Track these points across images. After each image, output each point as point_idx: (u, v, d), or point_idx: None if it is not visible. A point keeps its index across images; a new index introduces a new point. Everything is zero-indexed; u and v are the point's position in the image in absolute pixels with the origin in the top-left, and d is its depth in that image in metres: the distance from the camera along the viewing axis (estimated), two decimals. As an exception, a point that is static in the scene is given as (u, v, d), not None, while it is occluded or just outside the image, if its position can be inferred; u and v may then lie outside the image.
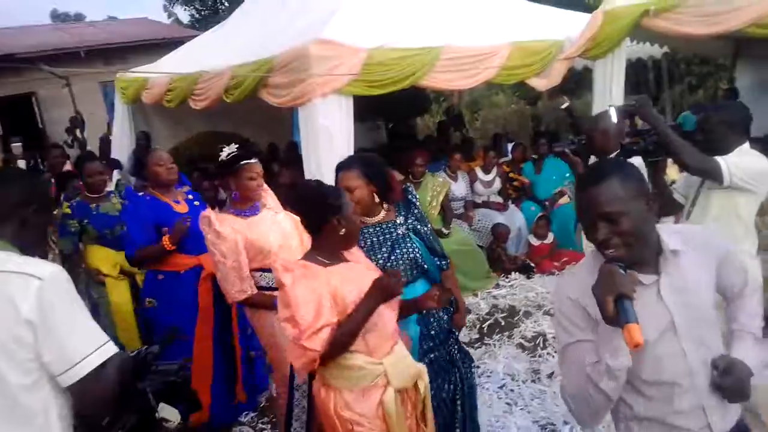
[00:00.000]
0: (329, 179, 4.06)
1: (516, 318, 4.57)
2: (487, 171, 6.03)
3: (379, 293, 1.96)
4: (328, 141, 4.16)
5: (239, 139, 7.32)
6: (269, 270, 2.72)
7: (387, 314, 2.04)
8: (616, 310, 1.31)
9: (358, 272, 2.10)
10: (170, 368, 1.97)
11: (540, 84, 5.39)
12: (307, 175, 4.30)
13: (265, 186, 3.03)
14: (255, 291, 2.79)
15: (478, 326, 4.49)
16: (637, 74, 9.88)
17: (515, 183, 6.30)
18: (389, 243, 2.45)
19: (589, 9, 6.37)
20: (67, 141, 10.27)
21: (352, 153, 4.30)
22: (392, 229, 2.49)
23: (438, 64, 4.56)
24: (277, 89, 4.40)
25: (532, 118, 12.97)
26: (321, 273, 1.97)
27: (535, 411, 3.30)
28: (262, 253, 2.80)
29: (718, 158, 2.54)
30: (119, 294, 3.87)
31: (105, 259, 3.84)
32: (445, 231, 5.15)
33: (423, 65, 4.48)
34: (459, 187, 5.71)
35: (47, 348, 1.42)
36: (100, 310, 3.87)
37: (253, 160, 2.86)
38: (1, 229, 1.54)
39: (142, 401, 1.79)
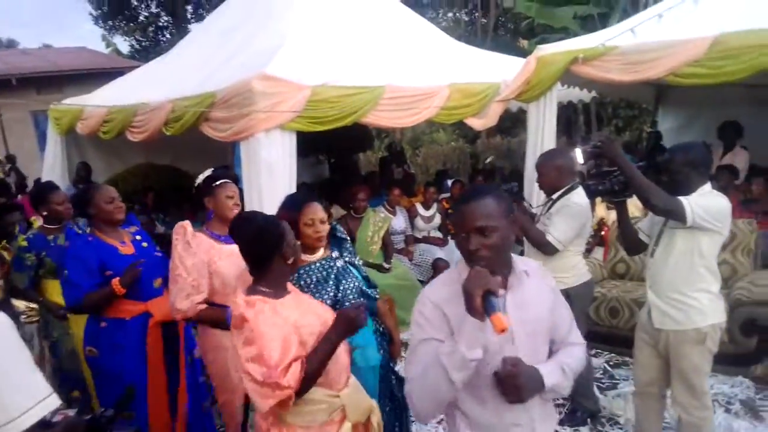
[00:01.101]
0: (271, 211, 4.10)
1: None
2: (427, 207, 6.15)
3: (344, 326, 1.95)
4: (269, 175, 4.16)
5: (177, 173, 7.27)
6: (224, 307, 2.65)
7: (342, 346, 2.03)
8: (482, 303, 1.46)
9: (308, 302, 2.10)
10: None
11: (477, 124, 5.58)
12: (248, 207, 4.26)
13: None
14: (204, 307, 2.70)
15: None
16: (568, 116, 10.41)
17: (455, 219, 6.44)
18: (333, 277, 2.47)
19: (523, 54, 6.71)
20: (5, 171, 9.83)
21: (294, 187, 4.32)
22: (332, 264, 2.52)
23: (380, 102, 4.67)
24: (218, 123, 4.39)
25: (471, 155, 13.36)
26: (278, 307, 1.94)
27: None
28: (226, 286, 2.70)
29: (682, 199, 2.58)
30: (82, 329, 3.56)
31: None
32: (386, 266, 5.20)
33: (366, 103, 4.58)
34: (398, 222, 5.80)
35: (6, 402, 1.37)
36: (60, 349, 3.67)
37: (227, 180, 2.85)
38: None
39: None
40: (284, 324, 1.88)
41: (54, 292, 3.61)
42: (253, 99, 4.04)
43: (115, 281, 2.87)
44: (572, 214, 3.19)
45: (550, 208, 3.30)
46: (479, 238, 1.59)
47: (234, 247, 2.70)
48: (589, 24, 9.67)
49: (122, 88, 6.50)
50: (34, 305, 3.83)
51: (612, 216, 5.52)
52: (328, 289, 2.42)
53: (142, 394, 2.94)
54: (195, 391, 3.21)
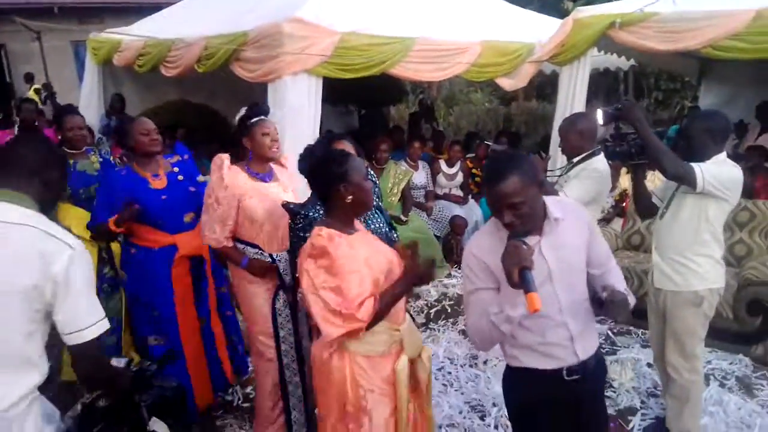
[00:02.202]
0: (293, 158, 4.16)
1: (462, 306, 4.73)
2: (451, 164, 6.16)
3: (415, 278, 2.03)
4: (294, 119, 4.22)
5: (209, 111, 7.38)
6: (251, 245, 2.78)
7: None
8: (520, 278, 1.63)
9: (374, 242, 2.14)
10: (168, 385, 2.15)
11: (507, 84, 5.53)
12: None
13: (284, 161, 3.03)
14: (230, 244, 2.79)
15: (425, 312, 4.64)
16: (607, 84, 10.16)
17: (477, 179, 6.46)
18: (361, 219, 2.46)
19: (565, 15, 6.55)
20: (40, 95, 10.06)
21: (317, 133, 4.39)
22: None
23: (410, 54, 4.65)
24: (248, 63, 4.44)
25: (505, 118, 13.17)
26: (350, 241, 2.00)
27: (468, 393, 3.46)
28: (251, 223, 2.76)
29: (695, 165, 2.60)
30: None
31: (78, 219, 3.60)
32: (403, 218, 5.28)
33: (395, 54, 4.57)
34: (419, 176, 5.84)
35: (63, 309, 1.63)
36: None
37: (262, 117, 2.84)
38: (27, 188, 1.69)
39: (136, 414, 1.97)
40: (359, 260, 1.96)
41: (68, 216, 3.62)
42: (282, 41, 4.07)
43: (112, 219, 2.97)
44: (590, 179, 3.15)
45: (569, 171, 3.29)
46: (511, 212, 1.74)
47: (269, 186, 2.82)
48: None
49: (159, 23, 6.57)
50: None
51: (634, 188, 5.47)
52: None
53: (171, 322, 3.08)
54: (224, 322, 3.38)
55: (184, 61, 5.17)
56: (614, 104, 2.92)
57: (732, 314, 3.77)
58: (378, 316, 1.95)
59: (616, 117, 2.85)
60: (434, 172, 6.07)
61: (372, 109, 9.33)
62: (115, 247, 3.57)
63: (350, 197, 2.03)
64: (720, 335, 3.76)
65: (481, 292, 1.85)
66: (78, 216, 3.61)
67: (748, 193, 5.12)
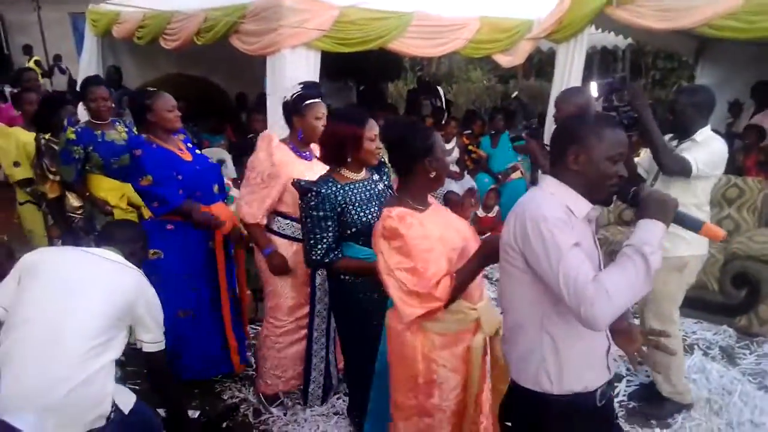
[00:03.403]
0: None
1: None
2: (447, 140, 6.22)
3: (491, 253, 1.88)
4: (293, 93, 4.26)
5: (209, 85, 7.40)
6: (286, 216, 2.86)
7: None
8: (681, 219, 1.60)
9: (447, 217, 2.11)
10: None
11: (505, 60, 5.55)
12: (271, 127, 4.40)
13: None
14: (263, 223, 2.86)
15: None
16: (605, 63, 10.16)
17: (473, 155, 6.52)
18: (375, 198, 2.47)
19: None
20: (41, 67, 10.04)
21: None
22: (374, 185, 2.52)
23: (408, 29, 4.69)
24: (247, 36, 4.48)
25: (502, 96, 13.18)
26: (423, 219, 1.96)
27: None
28: (295, 201, 2.71)
29: (689, 158, 2.67)
30: None
31: (112, 189, 3.62)
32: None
33: (393, 29, 4.61)
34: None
35: (145, 327, 2.20)
36: None
37: (317, 100, 2.82)
38: (123, 250, 2.27)
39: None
40: (432, 238, 1.92)
41: (101, 187, 3.63)
42: (282, 14, 4.10)
43: (196, 209, 2.96)
44: None
45: None
46: (622, 164, 1.64)
47: (313, 164, 2.83)
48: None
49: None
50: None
51: (628, 164, 5.55)
52: (373, 210, 2.42)
53: (206, 295, 3.13)
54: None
55: (183, 34, 5.19)
56: (608, 79, 2.98)
57: (718, 287, 3.89)
58: (455, 294, 1.91)
59: (611, 90, 2.92)
60: (431, 148, 6.13)
61: (370, 84, 9.35)
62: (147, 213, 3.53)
63: (434, 172, 2.00)
64: (706, 307, 3.89)
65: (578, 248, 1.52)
66: (111, 186, 3.62)
67: (739, 170, 5.21)
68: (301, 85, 2.90)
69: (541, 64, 12.93)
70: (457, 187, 5.95)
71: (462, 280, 1.92)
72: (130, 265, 2.23)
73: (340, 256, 2.40)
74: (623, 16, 4.70)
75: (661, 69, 11.58)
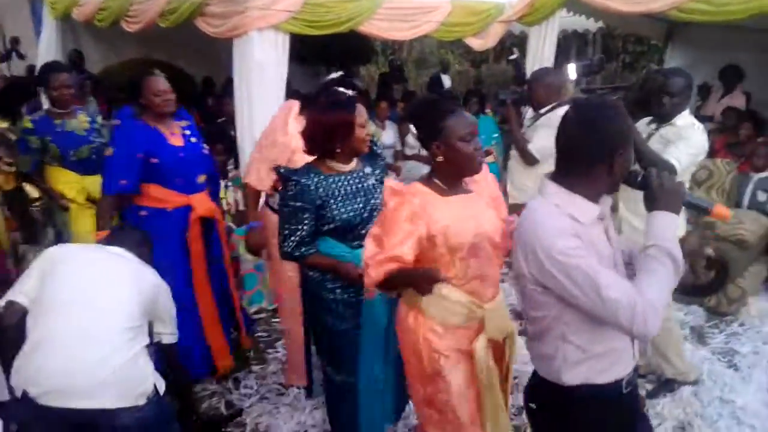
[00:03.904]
0: (259, 116, 4.15)
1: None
2: (420, 125, 6.17)
3: (421, 282, 1.84)
4: (260, 76, 4.15)
5: (172, 70, 7.19)
6: None
7: (495, 262, 1.98)
8: (691, 204, 1.60)
9: (476, 209, 1.95)
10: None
11: (477, 44, 5.50)
12: (239, 111, 4.30)
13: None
14: (264, 188, 2.84)
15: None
16: (578, 47, 10.20)
17: (447, 139, 6.47)
18: (362, 194, 2.30)
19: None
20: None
21: (284, 92, 4.33)
22: (363, 180, 2.34)
23: (378, 12, 4.59)
24: (213, 18, 4.34)
25: (475, 80, 13.16)
26: (435, 204, 1.86)
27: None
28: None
29: (673, 160, 2.67)
30: (83, 224, 3.49)
31: (69, 183, 3.48)
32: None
33: (363, 11, 4.51)
34: (387, 136, 5.85)
35: (163, 321, 2.33)
36: (64, 239, 3.56)
37: (344, 90, 2.62)
38: (134, 252, 2.31)
39: None
40: (423, 224, 1.82)
41: (58, 180, 3.51)
42: (249, -5, 3.98)
43: (102, 234, 2.71)
44: (555, 129, 3.27)
45: (536, 121, 3.44)
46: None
47: None
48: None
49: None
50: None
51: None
52: (357, 207, 2.26)
53: (185, 285, 2.99)
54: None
55: (146, 16, 5.03)
56: (585, 61, 2.98)
57: (688, 267, 3.92)
58: (390, 285, 1.87)
59: (589, 72, 2.93)
60: (403, 133, 6.07)
61: (341, 69, 9.20)
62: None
63: (440, 158, 1.87)
64: (677, 288, 3.92)
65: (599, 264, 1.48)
66: (68, 179, 3.49)
67: (708, 152, 5.28)
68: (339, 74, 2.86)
69: (512, 48, 12.94)
70: (430, 172, 5.91)
71: (396, 281, 1.87)
72: (146, 264, 2.32)
73: (312, 251, 2.26)
74: (594, 0, 4.70)
75: (631, 53, 11.69)
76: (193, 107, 6.76)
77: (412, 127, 6.03)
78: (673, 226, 1.52)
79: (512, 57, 3.73)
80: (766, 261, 4.05)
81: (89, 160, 3.51)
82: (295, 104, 2.78)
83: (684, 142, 2.73)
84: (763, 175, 4.21)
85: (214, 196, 3.27)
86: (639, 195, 1.58)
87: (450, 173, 1.93)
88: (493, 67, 13.28)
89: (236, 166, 4.54)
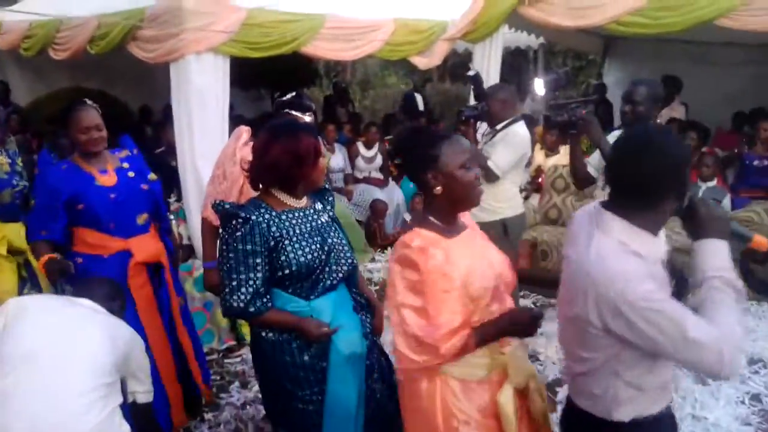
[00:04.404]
0: (201, 144, 3.94)
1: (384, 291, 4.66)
2: (369, 147, 6.07)
3: (513, 328, 1.69)
4: (200, 103, 3.95)
5: (106, 98, 6.87)
6: None
7: (508, 300, 1.81)
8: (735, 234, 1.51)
9: (482, 247, 1.81)
10: None
11: (422, 62, 5.50)
12: (178, 140, 4.08)
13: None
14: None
15: (350, 297, 4.53)
16: (519, 64, 10.38)
17: (397, 161, 6.39)
18: (317, 233, 2.01)
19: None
20: None
21: (227, 118, 4.15)
22: (316, 217, 2.05)
23: (321, 32, 4.50)
24: (147, 43, 4.12)
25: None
26: (450, 249, 1.66)
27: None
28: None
29: None
30: (5, 280, 3.15)
31: None
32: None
33: (305, 32, 4.40)
34: (336, 160, 5.73)
35: (138, 378, 2.16)
36: None
37: (299, 113, 2.51)
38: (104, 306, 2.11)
39: None
40: (456, 275, 1.63)
41: None
42: (183, 17, 3.78)
43: (43, 259, 2.53)
44: (513, 143, 3.35)
45: (492, 138, 3.43)
46: None
47: None
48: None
49: (46, 2, 6.00)
50: None
51: (549, 163, 5.60)
52: (314, 248, 1.97)
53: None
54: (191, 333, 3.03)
55: (74, 43, 4.76)
56: (553, 75, 2.95)
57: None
58: (465, 353, 1.65)
59: (556, 86, 2.90)
60: (352, 156, 5.96)
61: (285, 92, 9.06)
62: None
63: (439, 188, 1.69)
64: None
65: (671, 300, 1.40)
66: None
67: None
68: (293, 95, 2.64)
69: (454, 68, 13.09)
70: (383, 195, 5.80)
71: (478, 341, 1.65)
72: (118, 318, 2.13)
73: (269, 305, 1.93)
74: (535, 15, 4.74)
75: (570, 68, 12.00)
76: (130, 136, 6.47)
77: (361, 149, 5.99)
78: (725, 253, 1.45)
79: (470, 73, 3.66)
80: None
81: (12, 205, 3.21)
82: (246, 130, 2.61)
83: None
84: (710, 184, 4.28)
85: (164, 234, 2.98)
86: None
87: (448, 207, 1.74)
88: (437, 87, 13.37)
89: (178, 198, 4.30)
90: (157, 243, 2.85)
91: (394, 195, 5.95)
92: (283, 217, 1.96)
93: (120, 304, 2.23)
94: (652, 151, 1.42)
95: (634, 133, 1.53)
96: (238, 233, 1.88)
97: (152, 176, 2.89)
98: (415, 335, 1.61)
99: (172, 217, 4.22)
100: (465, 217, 1.85)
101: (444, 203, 1.73)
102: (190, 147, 3.98)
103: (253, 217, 1.89)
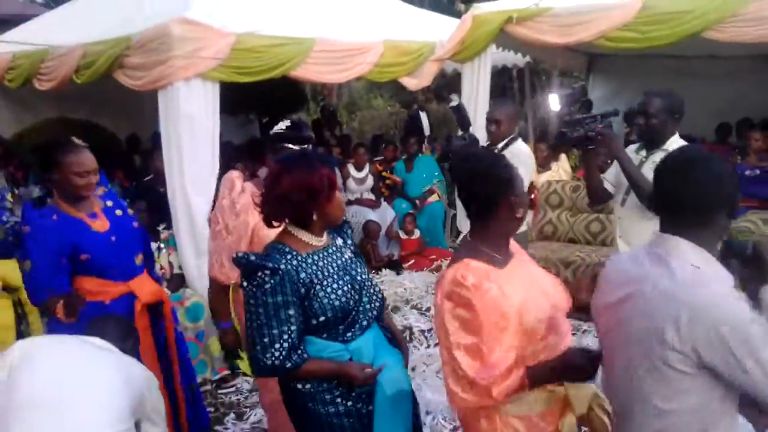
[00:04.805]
0: (190, 171, 3.88)
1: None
2: (359, 168, 6.04)
3: (570, 374, 1.59)
4: (190, 129, 3.90)
5: (94, 128, 6.80)
6: None
7: (565, 329, 1.72)
8: None
9: (533, 272, 1.75)
10: None
11: (412, 84, 5.50)
12: (168, 167, 4.01)
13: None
14: (237, 281, 2.30)
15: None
16: (504, 83, 10.46)
17: (388, 181, 6.37)
18: (345, 271, 1.86)
19: (460, 17, 6.62)
20: None
21: (217, 145, 4.09)
22: (340, 254, 1.91)
23: (311, 55, 4.48)
24: (134, 70, 4.07)
25: (407, 121, 13.25)
26: (503, 281, 1.59)
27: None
28: (263, 245, 2.18)
29: None
30: (2, 316, 3.08)
31: None
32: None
33: (295, 56, 4.37)
34: (330, 183, 5.67)
35: (153, 421, 1.96)
36: None
37: (297, 146, 2.39)
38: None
39: None
40: (511, 310, 1.55)
41: None
42: (172, 44, 3.75)
43: (60, 307, 2.36)
44: (525, 163, 3.24)
45: None
46: None
47: None
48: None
49: (30, 33, 5.94)
50: None
51: (541, 179, 5.60)
52: (346, 289, 1.82)
53: None
54: (184, 368, 2.87)
55: (60, 73, 4.69)
56: (568, 90, 2.91)
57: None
58: (521, 392, 1.57)
59: (572, 101, 2.85)
60: (344, 177, 5.92)
61: (274, 117, 9.03)
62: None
63: (521, 211, 1.64)
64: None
65: None
66: None
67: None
68: (289, 124, 2.49)
69: (439, 89, 13.17)
70: (375, 216, 5.75)
71: (533, 383, 1.56)
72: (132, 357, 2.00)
73: (305, 356, 1.75)
74: (524, 33, 4.76)
75: (555, 86, 12.15)
76: (117, 167, 6.39)
77: (352, 171, 5.95)
78: None
79: (453, 104, 3.63)
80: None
81: (4, 243, 3.17)
82: (237, 177, 2.46)
83: None
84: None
85: (152, 270, 2.87)
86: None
87: (505, 234, 1.68)
88: (423, 108, 13.45)
89: (168, 226, 4.21)
90: (153, 281, 2.74)
91: (386, 216, 5.90)
92: (309, 260, 1.80)
93: (132, 343, 2.12)
94: (699, 164, 1.40)
95: (675, 152, 1.51)
96: (267, 285, 1.71)
97: (130, 210, 2.78)
98: (467, 376, 1.53)
99: (162, 245, 4.14)
100: (513, 244, 1.77)
101: (503, 230, 1.67)
102: (179, 174, 3.91)
103: (282, 266, 1.72)
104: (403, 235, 5.83)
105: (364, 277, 1.91)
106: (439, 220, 6.09)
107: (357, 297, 1.84)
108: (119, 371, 1.83)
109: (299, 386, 1.81)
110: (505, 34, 4.85)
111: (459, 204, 4.88)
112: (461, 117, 3.59)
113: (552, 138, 6.10)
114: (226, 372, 3.86)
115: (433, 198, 6.09)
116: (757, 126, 5.21)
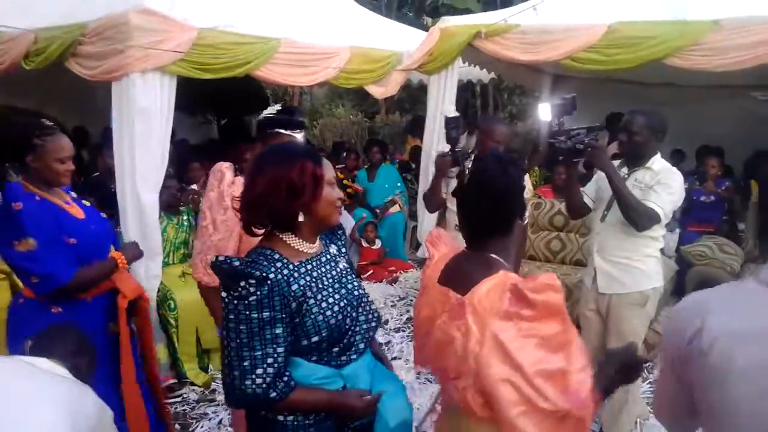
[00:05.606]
0: (143, 168, 3.69)
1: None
2: (320, 175, 5.93)
3: (623, 377, 1.45)
4: (145, 124, 3.71)
5: (45, 118, 6.47)
6: None
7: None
8: None
9: None
10: None
11: (378, 92, 5.45)
12: (118, 163, 3.81)
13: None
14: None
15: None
16: (466, 98, 10.54)
17: (349, 190, 6.28)
18: (339, 284, 1.62)
19: (427, 30, 6.63)
20: None
21: (168, 140, 3.91)
22: (333, 264, 1.66)
23: (275, 56, 4.36)
24: (88, 59, 3.86)
25: (369, 131, 13.23)
26: None
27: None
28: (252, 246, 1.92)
29: (656, 207, 2.58)
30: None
31: None
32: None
33: (259, 55, 4.25)
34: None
35: None
36: None
37: (289, 132, 2.23)
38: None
39: None
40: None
41: None
42: (130, 34, 3.56)
43: (118, 254, 2.28)
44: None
45: None
46: None
47: None
48: (491, 8, 9.80)
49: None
50: None
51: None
52: (342, 304, 1.57)
53: (110, 386, 2.30)
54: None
55: (7, 58, 4.42)
56: (560, 100, 2.87)
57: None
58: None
59: (563, 112, 2.82)
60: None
61: (233, 118, 8.83)
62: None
63: (526, 218, 1.59)
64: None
65: None
66: None
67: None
68: (280, 108, 2.31)
69: (401, 102, 13.20)
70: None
71: (598, 402, 1.33)
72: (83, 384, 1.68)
73: (292, 384, 1.48)
74: (492, 49, 4.76)
75: (517, 105, 12.30)
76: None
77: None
78: None
79: (451, 115, 3.56)
80: (673, 302, 4.12)
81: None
82: (227, 168, 2.30)
83: (664, 187, 2.63)
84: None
85: None
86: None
87: (515, 253, 1.67)
88: (386, 118, 13.44)
89: (116, 224, 3.99)
90: (131, 276, 2.57)
91: (347, 224, 5.80)
92: (303, 270, 1.54)
93: (88, 361, 1.83)
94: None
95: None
96: (252, 298, 1.42)
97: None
98: (557, 410, 1.23)
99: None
100: None
101: (515, 249, 1.60)
102: (131, 170, 3.72)
103: (272, 275, 1.44)
104: (364, 244, 5.75)
105: (360, 291, 1.68)
106: (399, 231, 6.04)
107: (354, 314, 1.60)
108: (62, 406, 1.46)
109: (280, 417, 1.52)
110: (472, 48, 4.85)
111: (420, 215, 4.81)
112: (455, 130, 3.53)
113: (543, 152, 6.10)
114: (173, 380, 3.68)
115: (395, 209, 6.04)
116: (712, 153, 5.35)
